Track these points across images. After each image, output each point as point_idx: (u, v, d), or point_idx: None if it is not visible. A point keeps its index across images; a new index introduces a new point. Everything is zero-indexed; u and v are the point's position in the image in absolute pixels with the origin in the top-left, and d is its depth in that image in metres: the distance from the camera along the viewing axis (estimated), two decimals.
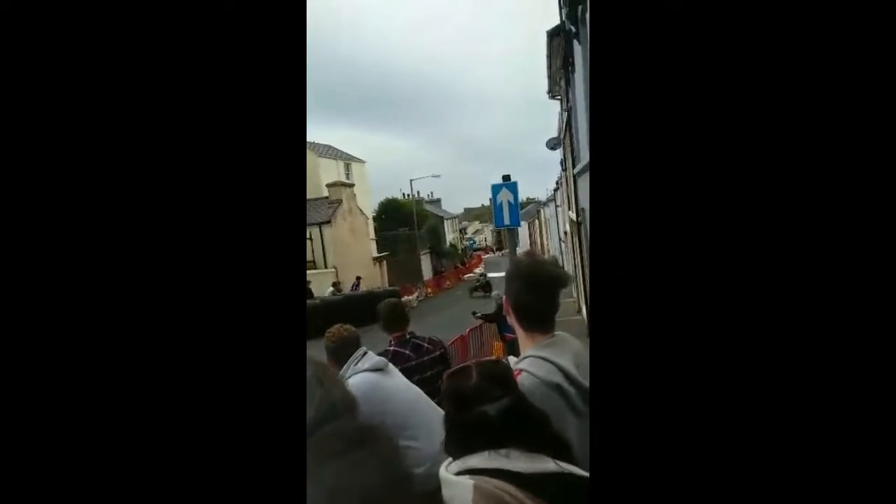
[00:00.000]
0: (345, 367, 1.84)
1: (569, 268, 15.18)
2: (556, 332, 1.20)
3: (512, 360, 1.26)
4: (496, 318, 6.40)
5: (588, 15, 4.92)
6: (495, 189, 3.78)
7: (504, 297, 1.24)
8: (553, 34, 8.07)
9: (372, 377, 1.82)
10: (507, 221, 3.75)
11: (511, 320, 1.22)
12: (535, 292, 1.17)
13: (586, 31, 5.39)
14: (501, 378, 0.89)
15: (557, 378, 1.08)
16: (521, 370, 1.09)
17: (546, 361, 1.10)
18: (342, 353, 1.88)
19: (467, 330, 5.41)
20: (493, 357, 1.19)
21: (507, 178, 3.80)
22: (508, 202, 3.69)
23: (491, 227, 64.56)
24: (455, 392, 0.90)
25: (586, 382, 1.11)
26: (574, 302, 12.54)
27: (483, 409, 0.84)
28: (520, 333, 1.21)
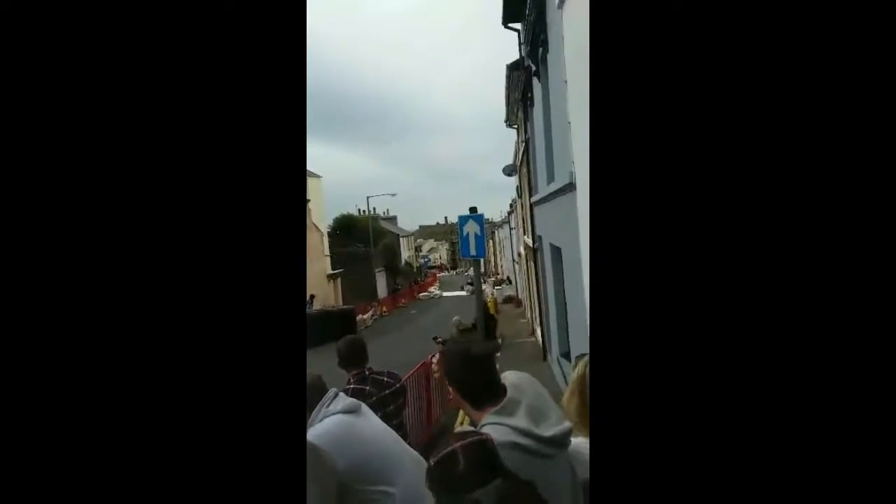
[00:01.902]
0: (315, 410, 1.79)
1: (522, 288, 15.53)
2: (506, 382, 1.28)
3: (466, 428, 1.32)
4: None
5: (549, 56, 5.21)
6: (462, 220, 3.87)
7: (451, 389, 1.31)
8: (513, 68, 8.42)
9: (346, 419, 1.79)
10: (473, 252, 3.85)
11: (465, 408, 1.29)
12: (475, 375, 1.26)
13: (546, 70, 5.68)
14: (489, 460, 0.91)
15: (513, 437, 1.16)
16: None
17: (500, 425, 1.18)
18: (308, 399, 1.83)
19: (429, 357, 5.40)
20: (476, 436, 1.21)
21: (473, 209, 3.90)
22: (475, 234, 3.79)
23: (445, 245, 64.91)
24: (444, 480, 0.89)
25: (544, 430, 1.20)
26: (527, 323, 12.81)
27: (474, 497, 0.85)
28: (473, 413, 1.27)
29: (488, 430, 1.19)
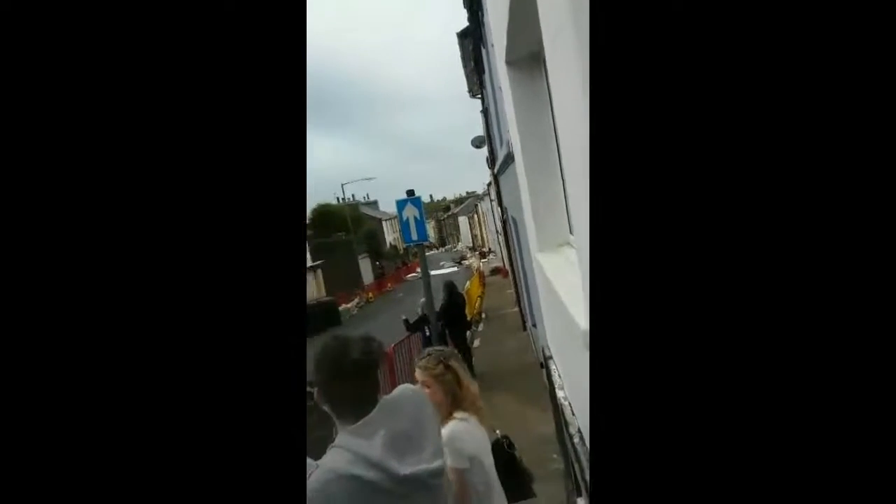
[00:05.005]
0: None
1: (506, 258, 15.53)
2: (384, 397, 1.10)
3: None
4: (419, 326, 6.26)
5: (487, 18, 4.93)
6: (400, 205, 3.68)
7: (315, 388, 1.11)
8: (462, 35, 8.10)
9: None
10: (414, 237, 3.67)
11: (326, 409, 1.11)
12: (341, 381, 1.07)
13: (487, 34, 5.41)
14: None
15: (352, 468, 0.98)
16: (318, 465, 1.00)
17: (347, 451, 1.01)
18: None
19: (391, 347, 5.22)
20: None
21: (410, 192, 3.71)
22: (415, 217, 3.60)
23: (432, 223, 64.57)
24: None
25: (404, 465, 1.01)
26: (511, 293, 12.83)
27: None
28: (337, 420, 1.10)
29: (331, 455, 1.00)
